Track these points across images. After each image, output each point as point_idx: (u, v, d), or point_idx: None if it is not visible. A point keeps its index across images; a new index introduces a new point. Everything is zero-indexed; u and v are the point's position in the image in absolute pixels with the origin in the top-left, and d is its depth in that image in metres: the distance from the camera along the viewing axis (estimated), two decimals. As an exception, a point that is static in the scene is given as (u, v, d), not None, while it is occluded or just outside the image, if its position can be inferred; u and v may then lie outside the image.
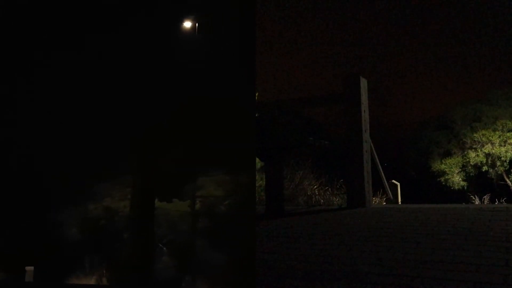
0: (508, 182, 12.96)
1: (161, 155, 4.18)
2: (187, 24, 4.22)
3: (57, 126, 4.23)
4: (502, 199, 10.83)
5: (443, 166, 13.28)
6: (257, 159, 6.71)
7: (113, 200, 4.49)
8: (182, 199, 4.53)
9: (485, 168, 12.83)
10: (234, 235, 3.91)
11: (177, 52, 4.21)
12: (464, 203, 9.48)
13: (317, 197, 7.27)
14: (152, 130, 4.14)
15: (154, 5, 4.21)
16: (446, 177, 13.20)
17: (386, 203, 7.38)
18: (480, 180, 13.25)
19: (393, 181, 7.51)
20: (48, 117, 4.23)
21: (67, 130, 4.21)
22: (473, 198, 11.64)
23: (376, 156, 6.59)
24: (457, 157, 13.23)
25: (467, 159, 12.94)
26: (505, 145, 12.38)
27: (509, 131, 12.49)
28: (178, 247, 4.43)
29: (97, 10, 4.18)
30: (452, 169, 13.12)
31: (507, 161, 12.51)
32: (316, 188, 7.62)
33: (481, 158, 12.66)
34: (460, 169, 13.15)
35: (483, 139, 12.60)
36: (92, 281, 4.33)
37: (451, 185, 13.13)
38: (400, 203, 7.39)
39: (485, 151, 12.59)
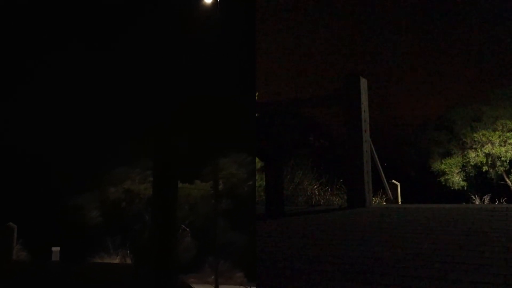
0: (508, 182, 12.96)
1: (179, 138, 4.17)
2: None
3: (80, 115, 4.32)
4: (502, 199, 10.83)
5: (443, 166, 13.28)
6: (257, 159, 6.71)
7: (133, 183, 4.53)
8: (204, 180, 4.54)
9: (485, 168, 12.82)
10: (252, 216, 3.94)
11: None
12: (464, 203, 9.48)
13: (317, 197, 7.27)
14: (167, 117, 4.15)
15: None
16: (446, 177, 13.19)
17: (386, 203, 7.37)
18: (480, 180, 13.24)
19: (393, 181, 7.50)
20: (72, 108, 4.31)
21: (89, 120, 4.30)
22: (473, 198, 11.64)
23: (376, 156, 6.58)
24: (457, 157, 13.23)
25: (467, 159, 12.93)
26: (505, 145, 12.37)
27: (509, 131, 12.49)
28: (200, 228, 4.46)
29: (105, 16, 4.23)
30: (452, 169, 13.12)
31: (507, 161, 12.50)
32: (316, 188, 7.62)
33: (481, 158, 12.66)
34: (460, 169, 13.14)
35: (483, 139, 12.59)
36: (116, 261, 4.44)
37: (451, 185, 13.12)
38: (400, 203, 7.38)
39: (485, 151, 12.58)
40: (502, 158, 12.47)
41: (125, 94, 4.25)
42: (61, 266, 4.40)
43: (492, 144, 12.49)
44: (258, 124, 5.90)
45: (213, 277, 4.12)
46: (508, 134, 12.41)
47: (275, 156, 5.89)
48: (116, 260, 4.53)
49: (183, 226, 4.40)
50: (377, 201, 7.54)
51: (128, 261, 4.53)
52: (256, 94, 7.05)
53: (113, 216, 4.54)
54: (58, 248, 4.56)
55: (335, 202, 7.09)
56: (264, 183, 6.19)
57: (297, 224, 4.70)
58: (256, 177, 7.06)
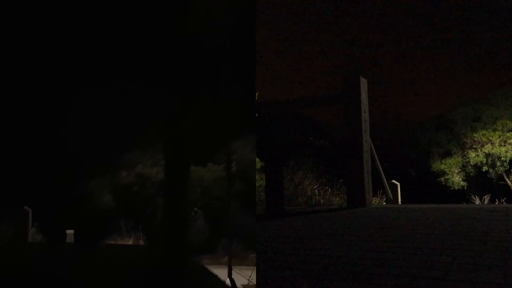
0: (508, 182, 12.96)
1: (190, 121, 4.15)
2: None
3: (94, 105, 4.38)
4: (502, 199, 10.83)
5: (443, 166, 13.28)
6: (257, 159, 6.71)
7: (145, 167, 4.56)
8: (217, 162, 4.54)
9: (485, 168, 12.82)
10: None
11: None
12: (464, 203, 9.48)
13: (317, 197, 7.27)
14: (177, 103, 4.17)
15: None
16: (446, 177, 13.19)
17: (386, 203, 7.37)
18: (480, 180, 13.24)
19: (393, 181, 7.50)
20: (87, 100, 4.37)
21: (100, 105, 4.36)
22: (473, 198, 11.64)
23: (376, 156, 6.59)
24: (457, 157, 13.23)
25: (467, 159, 12.93)
26: (505, 145, 12.37)
27: (509, 131, 12.49)
28: (213, 211, 4.48)
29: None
30: (452, 169, 13.12)
31: (507, 161, 12.51)
32: (316, 188, 7.62)
33: (481, 158, 12.66)
34: (460, 169, 13.14)
35: (483, 139, 12.59)
36: (129, 243, 4.51)
37: (451, 185, 13.13)
38: (400, 203, 7.38)
39: (485, 151, 12.58)
40: (502, 158, 12.47)
41: (135, 82, 4.31)
42: (75, 248, 4.52)
43: (492, 144, 12.49)
44: (258, 124, 5.90)
45: (226, 258, 4.14)
46: (508, 134, 12.41)
47: (275, 156, 5.89)
48: (129, 242, 4.62)
49: (196, 208, 4.43)
50: (377, 201, 7.55)
51: (141, 243, 4.61)
52: (256, 94, 7.05)
53: (125, 200, 4.61)
54: (72, 231, 4.69)
55: (335, 202, 7.09)
56: (264, 183, 6.20)
57: (297, 224, 4.70)
58: (256, 177, 7.06)
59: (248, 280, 4.01)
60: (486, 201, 11.16)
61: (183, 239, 4.08)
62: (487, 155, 12.67)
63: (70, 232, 4.69)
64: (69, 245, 4.65)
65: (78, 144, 4.53)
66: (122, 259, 4.26)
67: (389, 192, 7.32)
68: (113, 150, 4.54)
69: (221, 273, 3.90)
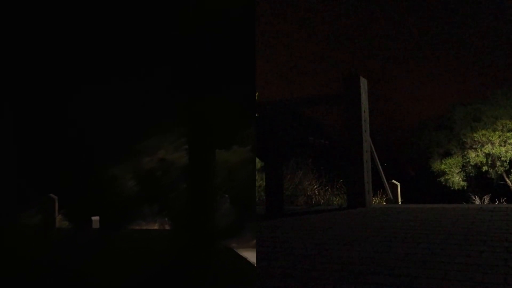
0: (508, 182, 12.96)
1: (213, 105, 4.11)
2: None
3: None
4: (502, 199, 10.82)
5: (443, 166, 13.27)
6: (257, 159, 6.71)
7: (168, 152, 4.54)
8: (243, 144, 4.51)
9: (485, 168, 12.82)
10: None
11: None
12: (464, 203, 9.48)
13: (317, 197, 7.26)
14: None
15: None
16: (446, 177, 13.19)
17: (386, 203, 7.37)
18: (480, 180, 13.23)
19: (393, 181, 7.50)
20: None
21: (122, 91, 4.40)
22: (473, 198, 11.64)
23: (376, 156, 6.58)
24: (457, 157, 13.22)
25: (467, 159, 12.93)
26: (505, 145, 12.37)
27: (509, 131, 12.48)
28: (239, 194, 4.48)
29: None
30: (452, 169, 13.11)
31: (507, 161, 12.50)
32: (316, 188, 7.61)
33: (481, 158, 12.66)
34: (460, 169, 13.14)
35: (483, 139, 12.59)
36: (155, 227, 4.53)
37: (451, 185, 13.12)
38: (400, 203, 7.38)
39: (485, 151, 12.58)
40: (502, 158, 12.47)
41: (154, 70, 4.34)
42: (102, 233, 4.59)
43: (492, 144, 12.49)
44: (258, 124, 5.90)
45: (254, 241, 4.12)
46: (508, 134, 12.40)
47: (275, 156, 5.89)
48: (155, 227, 4.63)
49: (222, 192, 4.42)
50: (377, 201, 7.54)
51: (167, 227, 4.62)
52: (256, 94, 7.05)
53: (149, 185, 4.62)
54: (98, 217, 4.77)
55: (335, 202, 7.08)
56: (264, 183, 6.20)
57: (297, 224, 4.70)
58: (256, 177, 7.06)
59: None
60: (486, 201, 11.15)
61: (209, 223, 4.05)
62: (487, 155, 12.67)
63: (95, 218, 4.78)
64: (95, 230, 4.73)
65: (100, 132, 4.57)
66: (148, 243, 4.29)
67: (389, 192, 7.32)
68: (135, 136, 4.56)
69: (250, 256, 3.87)
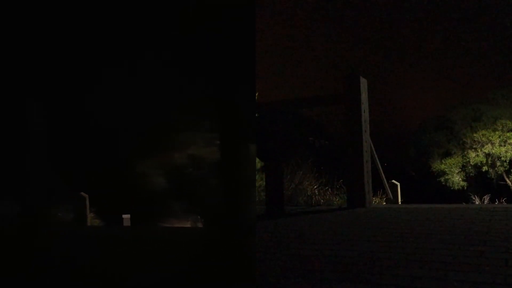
0: (508, 182, 12.96)
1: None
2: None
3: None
4: (502, 199, 10.83)
5: (443, 166, 13.28)
6: (257, 159, 6.71)
7: (198, 147, 4.47)
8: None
9: (485, 168, 12.82)
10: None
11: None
12: (464, 203, 9.48)
13: (317, 197, 7.26)
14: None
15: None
16: (446, 177, 13.19)
17: (386, 203, 7.37)
18: (480, 180, 13.24)
19: (393, 181, 7.50)
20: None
21: (151, 85, 4.36)
22: (473, 198, 11.64)
23: (376, 156, 6.59)
24: (457, 157, 13.23)
25: (467, 159, 12.93)
26: (505, 145, 12.37)
27: (509, 131, 12.49)
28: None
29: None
30: (452, 169, 13.12)
31: (507, 161, 12.51)
32: (316, 188, 7.61)
33: (481, 158, 12.66)
34: (460, 169, 13.14)
35: (483, 139, 12.59)
36: (187, 225, 4.45)
37: (451, 185, 13.13)
38: (400, 203, 7.38)
39: (485, 151, 12.59)
40: (502, 158, 12.47)
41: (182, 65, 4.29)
42: (135, 231, 4.55)
43: (492, 144, 12.49)
44: (258, 124, 5.90)
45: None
46: (508, 134, 12.41)
47: (275, 156, 5.89)
48: (188, 225, 4.55)
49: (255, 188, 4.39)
50: (377, 201, 7.54)
51: (200, 225, 4.54)
52: (256, 94, 7.05)
53: (180, 181, 4.55)
54: (129, 215, 4.73)
55: (335, 202, 7.08)
56: (264, 183, 6.20)
57: (297, 224, 4.70)
58: (256, 177, 7.06)
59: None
60: (486, 201, 11.15)
61: (244, 220, 4.00)
62: (487, 155, 12.67)
63: (126, 216, 4.75)
64: (127, 228, 4.69)
65: (127, 127, 4.52)
66: (181, 241, 4.19)
67: (389, 192, 7.32)
68: (163, 131, 4.50)
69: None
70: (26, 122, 4.44)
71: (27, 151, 4.46)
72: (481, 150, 12.67)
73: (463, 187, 13.09)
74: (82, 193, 4.98)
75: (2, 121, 4.34)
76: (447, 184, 13.20)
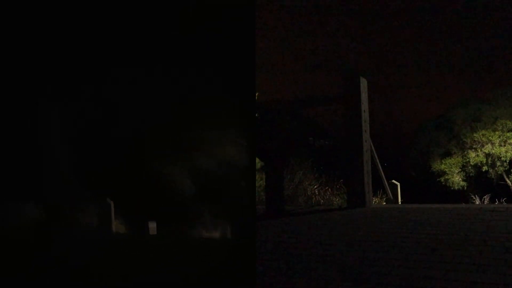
0: (508, 182, 12.95)
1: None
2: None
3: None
4: (502, 199, 10.82)
5: (443, 166, 13.26)
6: (257, 159, 6.71)
7: (225, 148, 4.40)
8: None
9: (485, 168, 12.81)
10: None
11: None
12: (464, 203, 9.47)
13: (317, 197, 7.26)
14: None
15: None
16: (446, 177, 13.17)
17: (386, 203, 7.37)
18: (480, 180, 13.21)
19: (393, 181, 7.50)
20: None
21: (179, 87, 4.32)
22: (473, 198, 11.63)
23: (376, 156, 6.58)
24: (457, 157, 13.21)
25: (467, 159, 12.92)
26: (505, 145, 12.36)
27: (509, 131, 12.47)
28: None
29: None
30: (452, 169, 13.10)
31: (507, 161, 12.49)
32: (316, 188, 7.61)
33: (481, 158, 12.64)
34: (460, 169, 13.12)
35: (483, 139, 12.58)
36: (216, 235, 4.32)
37: (451, 185, 13.10)
38: (400, 203, 7.38)
39: (485, 151, 12.57)
40: (502, 158, 12.46)
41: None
42: (158, 241, 4.43)
43: (492, 144, 12.48)
44: (258, 124, 5.90)
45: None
46: (508, 134, 12.40)
47: (275, 156, 5.89)
48: (216, 235, 4.42)
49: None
50: (377, 201, 7.54)
51: (229, 235, 4.40)
52: (256, 94, 7.04)
53: (208, 187, 4.44)
54: (155, 224, 4.64)
55: (335, 202, 7.08)
56: (264, 183, 6.20)
57: (297, 224, 4.70)
58: (256, 177, 7.05)
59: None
60: (486, 201, 11.14)
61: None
62: (487, 155, 12.66)
63: (152, 225, 4.66)
64: (153, 237, 4.59)
65: (153, 129, 4.46)
66: (208, 254, 4.01)
67: (389, 192, 7.32)
68: (190, 132, 4.42)
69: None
70: (48, 124, 4.42)
71: (51, 153, 4.43)
72: (481, 150, 12.66)
73: (463, 187, 13.08)
74: (108, 199, 4.93)
75: (20, 123, 4.31)
76: (447, 184, 13.18)
